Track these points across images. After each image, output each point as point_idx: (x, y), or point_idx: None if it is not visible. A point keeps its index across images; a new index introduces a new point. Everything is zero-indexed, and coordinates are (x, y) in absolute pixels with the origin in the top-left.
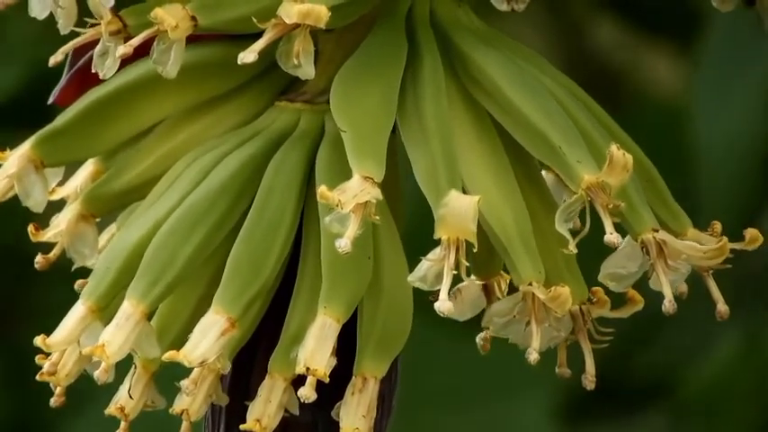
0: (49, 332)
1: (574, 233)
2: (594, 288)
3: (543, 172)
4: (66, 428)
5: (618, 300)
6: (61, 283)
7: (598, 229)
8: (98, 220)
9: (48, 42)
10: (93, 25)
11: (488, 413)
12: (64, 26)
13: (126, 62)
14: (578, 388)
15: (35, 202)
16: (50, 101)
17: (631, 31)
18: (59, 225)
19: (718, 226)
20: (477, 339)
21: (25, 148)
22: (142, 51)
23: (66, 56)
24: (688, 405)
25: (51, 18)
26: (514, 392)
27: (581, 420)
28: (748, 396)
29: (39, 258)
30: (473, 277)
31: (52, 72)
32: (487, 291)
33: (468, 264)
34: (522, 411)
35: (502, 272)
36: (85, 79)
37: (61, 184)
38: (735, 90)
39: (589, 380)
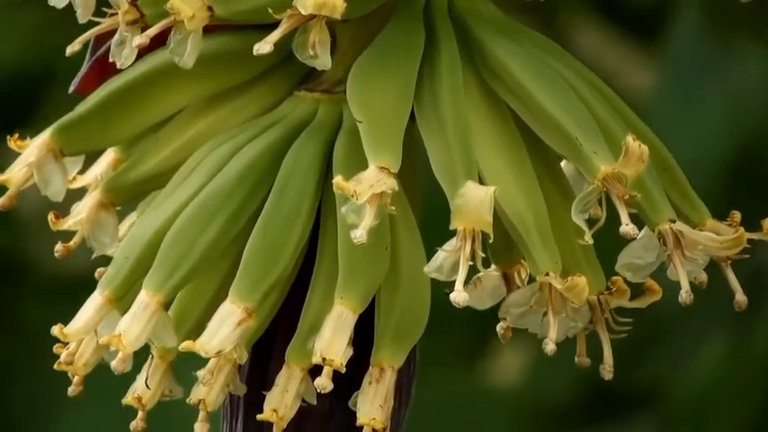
0: None
1: (593, 223)
2: (614, 278)
3: (563, 162)
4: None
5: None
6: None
7: (618, 218)
8: (118, 208)
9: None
10: (111, 15)
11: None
12: (82, 15)
13: (147, 50)
14: (562, 398)
15: (54, 192)
16: (71, 89)
17: (606, 34)
18: (80, 213)
19: (737, 215)
20: (498, 328)
21: (45, 136)
22: (162, 40)
23: (86, 45)
24: (675, 412)
25: (34, 29)
26: (491, 407)
27: (567, 428)
28: (735, 402)
29: (59, 247)
30: (493, 266)
31: (32, 82)
32: (507, 279)
33: (484, 255)
34: (499, 425)
35: (522, 260)
36: (106, 67)
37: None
38: (701, 97)
39: (607, 370)
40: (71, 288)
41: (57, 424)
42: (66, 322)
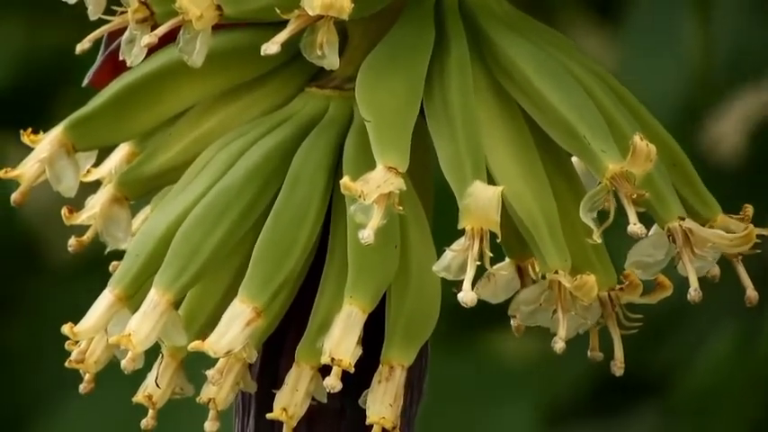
0: None
1: (603, 218)
2: (626, 272)
3: (574, 160)
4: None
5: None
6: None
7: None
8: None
9: (35, 42)
10: (122, 12)
11: (472, 417)
12: (93, 12)
13: (158, 46)
14: (569, 387)
15: (66, 187)
16: (85, 83)
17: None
18: (93, 207)
19: (749, 210)
20: (512, 323)
21: (57, 131)
22: (175, 34)
23: (99, 41)
24: (681, 405)
25: (36, 18)
26: (498, 395)
27: (572, 420)
28: (740, 396)
29: (72, 242)
30: (507, 260)
31: (40, 72)
32: (521, 273)
33: (492, 254)
34: (507, 414)
35: None
36: (120, 61)
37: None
38: (661, 52)
39: (618, 366)
40: (86, 273)
41: (67, 410)
42: (79, 308)
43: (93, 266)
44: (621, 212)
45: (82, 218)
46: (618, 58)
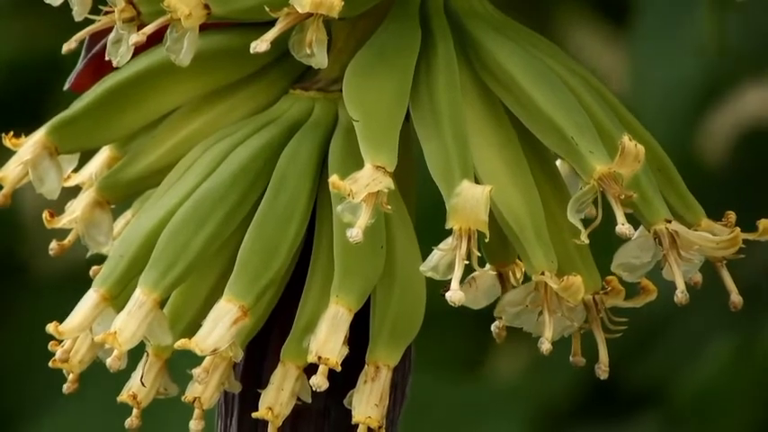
0: None
1: (588, 223)
2: (608, 277)
3: (558, 162)
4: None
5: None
6: None
7: (613, 217)
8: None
9: (29, 45)
10: (107, 13)
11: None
12: (78, 13)
13: (142, 48)
14: (566, 395)
15: (49, 189)
16: (66, 87)
17: (602, 33)
18: (74, 211)
19: (732, 216)
20: (492, 328)
21: (40, 134)
22: (157, 37)
23: (82, 42)
24: (680, 412)
25: (33, 21)
26: (490, 407)
27: (570, 428)
28: (741, 403)
29: (53, 245)
30: (488, 266)
31: (34, 75)
32: (502, 279)
33: (480, 254)
34: (499, 428)
35: (517, 260)
36: (101, 65)
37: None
38: (668, 44)
39: (602, 369)
40: (70, 285)
41: (52, 420)
42: (63, 319)
43: (83, 277)
44: (605, 215)
45: (63, 222)
46: (625, 60)
